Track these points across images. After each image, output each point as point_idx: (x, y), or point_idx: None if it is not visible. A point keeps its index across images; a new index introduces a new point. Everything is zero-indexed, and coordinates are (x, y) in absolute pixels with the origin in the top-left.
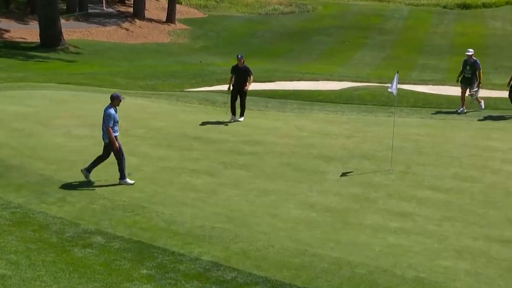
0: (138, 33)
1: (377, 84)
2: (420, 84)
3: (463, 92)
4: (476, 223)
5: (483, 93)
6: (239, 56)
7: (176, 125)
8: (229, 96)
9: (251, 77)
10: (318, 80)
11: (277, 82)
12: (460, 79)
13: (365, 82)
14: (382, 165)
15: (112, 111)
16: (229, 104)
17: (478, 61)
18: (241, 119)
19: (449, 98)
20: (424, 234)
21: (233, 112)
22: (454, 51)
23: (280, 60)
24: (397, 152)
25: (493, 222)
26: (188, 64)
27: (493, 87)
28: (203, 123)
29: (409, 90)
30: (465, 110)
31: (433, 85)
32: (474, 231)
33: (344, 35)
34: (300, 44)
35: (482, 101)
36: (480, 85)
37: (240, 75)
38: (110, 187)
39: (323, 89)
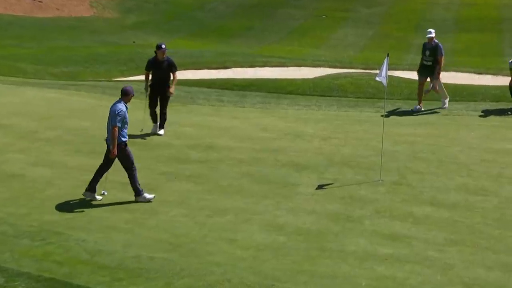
0: (48, 4)
1: (362, 71)
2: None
3: (422, 85)
4: (490, 248)
5: (493, 80)
6: (161, 46)
7: (101, 126)
8: (147, 100)
9: (176, 74)
10: (286, 66)
11: (234, 69)
12: (418, 68)
13: (347, 68)
14: (369, 175)
15: (124, 108)
16: (147, 110)
17: (440, 45)
18: (161, 132)
19: (455, 88)
20: (423, 262)
21: (155, 120)
22: (461, 27)
23: (238, 40)
24: (388, 158)
25: (511, 247)
26: (117, 45)
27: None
28: (139, 123)
29: (403, 78)
30: (422, 108)
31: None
32: (487, 258)
33: (320, 8)
34: (263, 19)
35: (447, 99)
36: (439, 75)
37: (160, 72)
38: (13, 207)
39: (293, 77)
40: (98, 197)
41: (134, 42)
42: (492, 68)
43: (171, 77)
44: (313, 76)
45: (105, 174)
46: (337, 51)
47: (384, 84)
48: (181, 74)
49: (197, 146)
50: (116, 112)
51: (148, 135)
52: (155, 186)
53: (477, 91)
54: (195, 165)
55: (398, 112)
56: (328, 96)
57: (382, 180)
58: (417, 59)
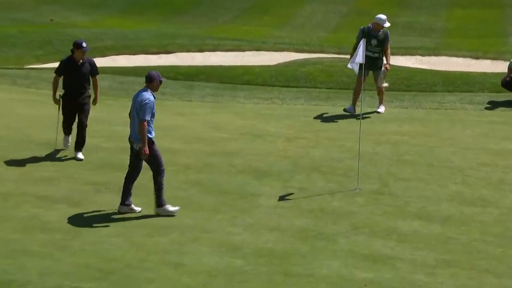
0: None
1: (335, 56)
2: (402, 54)
3: (360, 82)
4: (490, 270)
5: (492, 66)
6: (81, 44)
7: (11, 125)
8: (59, 112)
9: (97, 79)
10: (243, 51)
11: (179, 54)
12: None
13: (317, 52)
14: (344, 183)
15: (151, 97)
16: (60, 122)
17: (388, 32)
18: (80, 155)
19: (446, 76)
20: None
21: (69, 131)
22: (454, 2)
23: (183, 18)
24: (367, 162)
25: None
26: (31, 24)
27: None
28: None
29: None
30: (354, 110)
31: (422, 55)
32: (487, 282)
33: None
34: None
35: (383, 105)
36: (388, 69)
37: (78, 78)
38: None
39: (251, 64)
40: (137, 209)
41: (51, 20)
42: (492, 52)
43: (90, 83)
44: (275, 63)
45: None
46: (304, 32)
47: (356, 72)
48: (112, 61)
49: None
50: (144, 103)
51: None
52: (80, 199)
53: (474, 80)
54: None
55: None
56: (293, 86)
57: (359, 189)
58: (403, 42)
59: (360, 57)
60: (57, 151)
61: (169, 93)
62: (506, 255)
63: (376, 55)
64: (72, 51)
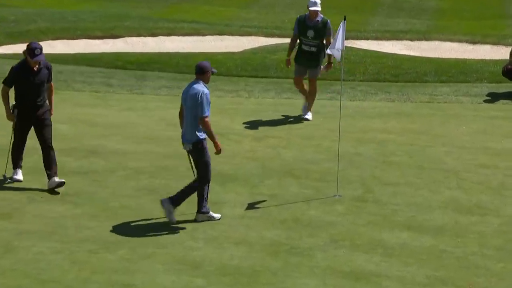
0: None
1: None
2: (388, 39)
3: (301, 79)
4: None
5: (492, 53)
6: (36, 49)
7: None
8: (12, 134)
9: (52, 85)
10: (203, 35)
11: (128, 40)
12: (295, 54)
13: (290, 37)
14: (322, 188)
15: (207, 90)
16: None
17: (329, 22)
18: (57, 180)
19: (439, 64)
20: None
21: (19, 163)
22: None
23: None
24: (348, 164)
25: None
26: None
27: None
28: None
29: (368, 50)
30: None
31: (411, 40)
32: None
33: None
34: None
35: (310, 112)
36: (331, 66)
37: (35, 87)
38: None
39: (212, 51)
40: (217, 216)
41: None
42: (492, 36)
43: (48, 95)
44: (241, 49)
45: None
46: (275, 13)
47: (338, 59)
48: (49, 46)
49: (74, 151)
50: (200, 97)
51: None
52: (12, 210)
53: (471, 68)
54: (72, 178)
55: (361, 98)
56: (262, 77)
57: (339, 196)
58: (389, 24)
59: (340, 41)
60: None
61: (116, 85)
62: (508, 271)
63: (313, 49)
64: (25, 55)
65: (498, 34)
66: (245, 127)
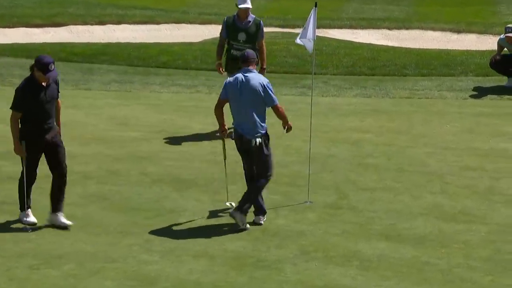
0: None
1: (278, 30)
2: (363, 28)
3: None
4: None
5: (479, 43)
6: (50, 64)
7: None
8: (23, 166)
9: (59, 101)
10: (157, 23)
11: (72, 28)
12: (223, 60)
13: None
14: (291, 194)
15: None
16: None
17: (261, 22)
18: (65, 221)
19: (420, 55)
20: None
21: (28, 201)
22: None
23: None
24: (321, 167)
25: None
26: None
27: None
28: None
29: (342, 40)
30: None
31: (389, 29)
32: None
33: None
34: None
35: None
36: (264, 74)
37: (45, 106)
38: None
39: (168, 41)
40: (261, 221)
41: None
42: (478, 24)
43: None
44: (200, 39)
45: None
46: None
47: (310, 50)
48: None
49: (11, 155)
50: (265, 85)
51: None
52: None
53: (455, 60)
54: (9, 185)
55: (335, 94)
56: (225, 70)
57: (310, 202)
58: (365, 12)
59: (311, 31)
60: None
61: (60, 80)
62: (497, 285)
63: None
64: (32, 70)
65: (485, 22)
66: (205, 127)
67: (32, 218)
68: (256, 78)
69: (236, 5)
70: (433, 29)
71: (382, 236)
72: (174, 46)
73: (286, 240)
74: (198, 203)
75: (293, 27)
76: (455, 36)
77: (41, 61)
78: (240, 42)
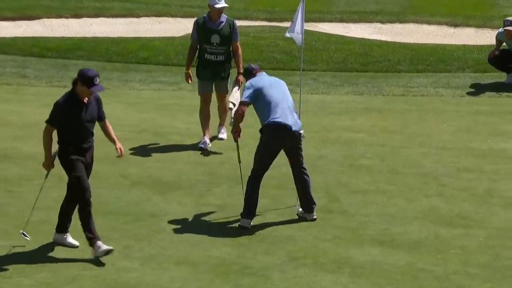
0: None
1: (265, 24)
2: (355, 21)
3: (206, 99)
4: None
5: (477, 37)
6: (93, 78)
7: None
8: (45, 181)
9: (107, 123)
10: (137, 17)
11: (45, 21)
12: (196, 68)
13: (241, 19)
14: (279, 197)
15: None
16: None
17: (235, 22)
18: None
19: (415, 50)
20: None
21: (69, 225)
22: None
23: None
24: (310, 169)
25: None
26: None
27: None
28: None
29: (332, 35)
30: (209, 143)
31: (382, 22)
32: None
33: None
34: None
35: (224, 128)
36: (240, 82)
37: (85, 125)
38: None
39: (149, 36)
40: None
41: None
42: (475, 17)
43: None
44: (183, 33)
45: None
46: None
47: (298, 44)
48: None
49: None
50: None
51: None
52: None
53: (452, 56)
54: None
55: (325, 91)
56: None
57: (299, 206)
58: (358, 3)
59: (299, 25)
60: None
61: (33, 76)
62: None
63: (220, 58)
64: (75, 86)
65: (483, 15)
66: (189, 126)
67: (73, 240)
68: (278, 79)
69: (209, 5)
70: (429, 22)
71: (375, 241)
72: (155, 40)
73: (273, 246)
74: (181, 207)
75: (281, 20)
76: (451, 30)
77: (86, 74)
78: (213, 45)
